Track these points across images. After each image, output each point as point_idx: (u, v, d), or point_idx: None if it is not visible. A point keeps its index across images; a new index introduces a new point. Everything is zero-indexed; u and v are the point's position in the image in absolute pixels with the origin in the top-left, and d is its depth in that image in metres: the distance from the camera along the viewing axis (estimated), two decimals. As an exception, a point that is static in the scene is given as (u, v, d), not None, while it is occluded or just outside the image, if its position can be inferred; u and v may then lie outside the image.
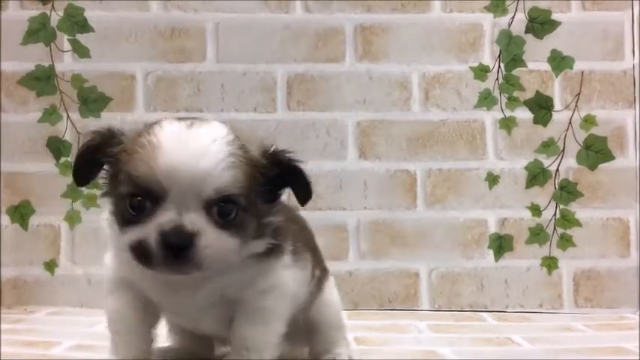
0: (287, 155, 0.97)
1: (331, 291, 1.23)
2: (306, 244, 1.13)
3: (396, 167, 1.88)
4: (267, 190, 0.95)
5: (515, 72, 1.90)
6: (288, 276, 1.03)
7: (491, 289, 1.85)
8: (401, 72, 1.90)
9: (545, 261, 1.86)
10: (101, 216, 0.99)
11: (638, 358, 1.29)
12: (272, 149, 0.96)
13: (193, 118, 0.94)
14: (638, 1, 1.88)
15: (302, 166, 0.98)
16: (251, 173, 0.92)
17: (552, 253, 1.86)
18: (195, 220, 0.86)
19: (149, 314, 1.02)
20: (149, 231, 0.86)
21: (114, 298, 1.01)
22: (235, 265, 0.94)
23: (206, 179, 0.87)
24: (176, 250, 0.85)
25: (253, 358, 1.00)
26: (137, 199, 0.88)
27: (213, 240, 0.87)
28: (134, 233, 0.88)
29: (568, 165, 1.88)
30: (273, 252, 0.99)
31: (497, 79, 1.90)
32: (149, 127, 0.91)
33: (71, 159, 1.84)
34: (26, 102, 1.86)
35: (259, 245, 0.97)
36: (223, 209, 0.89)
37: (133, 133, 0.92)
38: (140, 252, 0.87)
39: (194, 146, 0.88)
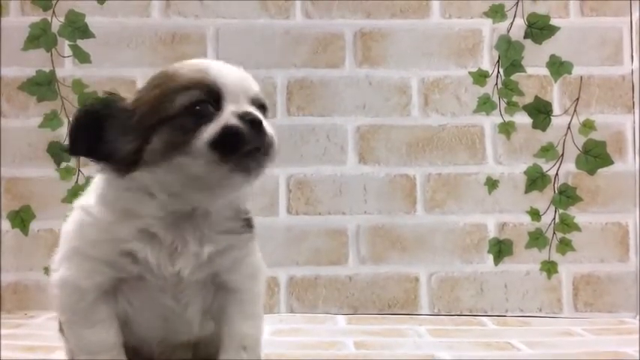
0: None
1: None
2: None
3: (395, 172, 1.88)
4: None
5: (514, 77, 1.91)
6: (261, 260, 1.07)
7: (490, 293, 1.86)
8: (400, 77, 1.90)
9: (545, 265, 1.86)
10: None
11: (637, 362, 1.30)
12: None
13: None
14: (638, 5, 1.89)
15: None
16: None
17: (552, 257, 1.87)
18: (254, 110, 0.94)
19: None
20: (227, 117, 0.91)
21: (93, 324, 0.98)
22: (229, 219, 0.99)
23: (248, 79, 0.97)
24: (257, 126, 0.91)
25: (252, 358, 1.01)
26: (197, 108, 0.91)
27: (271, 129, 0.95)
28: (211, 129, 0.90)
29: (567, 169, 1.89)
30: (250, 227, 1.02)
31: (497, 84, 1.91)
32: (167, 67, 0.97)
33: (72, 164, 1.85)
34: (27, 107, 1.87)
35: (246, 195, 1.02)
36: (262, 113, 0.96)
37: (145, 83, 0.96)
38: (230, 140, 0.90)
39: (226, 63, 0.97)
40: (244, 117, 0.91)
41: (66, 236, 1.01)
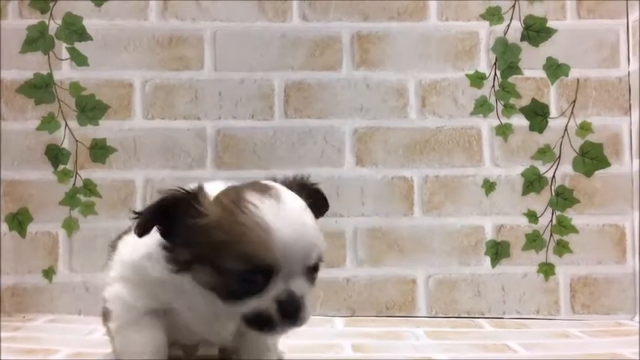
0: (314, 185, 1.07)
1: None
2: None
3: (393, 174, 1.89)
4: None
5: (511, 79, 1.91)
6: None
7: (488, 295, 1.86)
8: (397, 79, 1.91)
9: (542, 267, 1.87)
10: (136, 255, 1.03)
11: (634, 364, 1.30)
12: (308, 185, 1.07)
13: (260, 183, 1.00)
14: (636, 4, 1.89)
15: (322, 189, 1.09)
16: None
17: (549, 259, 1.87)
18: (301, 286, 0.96)
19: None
20: (266, 302, 0.94)
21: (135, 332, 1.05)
22: None
23: (313, 250, 0.96)
24: (293, 315, 0.95)
25: (273, 357, 1.13)
26: (250, 276, 0.94)
27: (310, 296, 0.98)
28: (250, 305, 0.95)
29: (564, 171, 1.89)
30: None
31: (494, 86, 1.91)
32: (237, 200, 0.94)
33: (69, 167, 1.85)
34: (25, 110, 1.87)
35: None
36: (316, 268, 0.99)
37: (218, 206, 0.96)
38: (260, 321, 0.95)
39: (296, 223, 0.95)
40: (284, 302, 0.94)
41: (126, 263, 1.06)
